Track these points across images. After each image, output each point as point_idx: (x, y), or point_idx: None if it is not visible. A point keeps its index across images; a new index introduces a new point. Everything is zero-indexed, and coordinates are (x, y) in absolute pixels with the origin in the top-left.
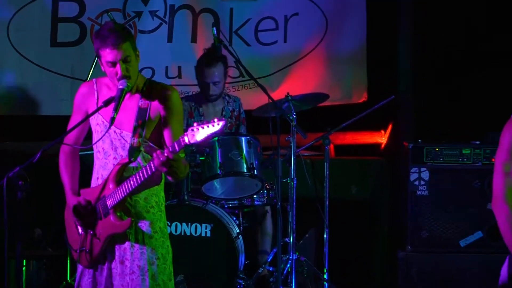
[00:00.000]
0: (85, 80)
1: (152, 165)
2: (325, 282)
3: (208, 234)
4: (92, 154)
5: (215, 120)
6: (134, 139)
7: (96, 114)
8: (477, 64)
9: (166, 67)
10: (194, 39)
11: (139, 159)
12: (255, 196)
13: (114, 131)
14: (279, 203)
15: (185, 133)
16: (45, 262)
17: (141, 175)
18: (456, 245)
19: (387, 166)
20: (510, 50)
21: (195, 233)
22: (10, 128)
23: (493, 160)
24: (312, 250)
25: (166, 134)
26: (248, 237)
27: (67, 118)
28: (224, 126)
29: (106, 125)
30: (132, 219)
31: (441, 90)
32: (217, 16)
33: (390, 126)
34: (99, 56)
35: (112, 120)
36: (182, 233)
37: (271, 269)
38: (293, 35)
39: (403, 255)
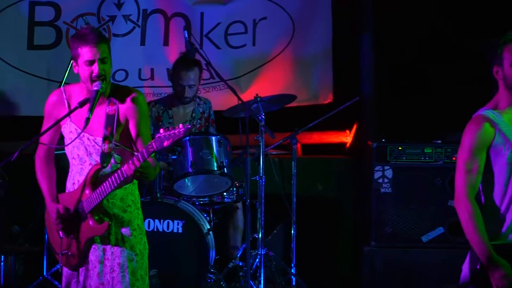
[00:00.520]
0: (60, 82)
1: (124, 171)
2: (292, 276)
3: (180, 230)
4: (65, 154)
5: (180, 126)
6: (104, 145)
7: (69, 122)
8: (438, 65)
9: (139, 69)
10: (166, 42)
11: (113, 161)
12: (225, 194)
13: (88, 138)
14: (248, 200)
15: (153, 140)
16: (23, 257)
17: (113, 180)
18: (418, 241)
19: (352, 165)
20: (473, 50)
21: (167, 229)
22: None
23: (454, 158)
24: (280, 245)
25: (135, 136)
26: (218, 233)
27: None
28: (187, 131)
29: (79, 132)
30: (110, 222)
31: (404, 91)
32: (188, 20)
33: (354, 126)
34: (76, 57)
35: (87, 121)
36: (155, 229)
37: (240, 264)
38: (262, 39)
39: (368, 250)
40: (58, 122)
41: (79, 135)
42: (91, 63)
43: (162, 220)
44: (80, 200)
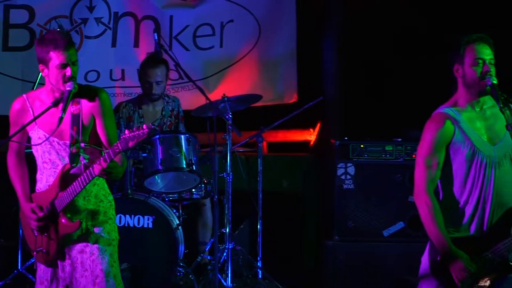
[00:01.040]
0: (34, 83)
1: (92, 172)
2: (258, 270)
3: (150, 226)
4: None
5: (144, 126)
6: (72, 145)
7: (36, 128)
8: (399, 65)
9: (111, 70)
10: (136, 44)
11: (83, 160)
12: (193, 190)
13: (58, 143)
14: (216, 196)
15: (118, 141)
16: None
17: (83, 180)
18: (379, 235)
19: (316, 162)
20: (435, 48)
21: (138, 224)
22: None
23: (414, 156)
24: (246, 240)
25: (101, 134)
26: (187, 228)
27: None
28: (151, 132)
29: (47, 137)
30: (81, 220)
31: (366, 91)
32: (158, 23)
33: (318, 125)
34: (46, 60)
35: (60, 120)
36: (126, 225)
37: (208, 258)
38: (229, 41)
39: (331, 244)
40: (31, 122)
41: (47, 138)
42: (64, 66)
43: (133, 216)
44: (53, 199)
